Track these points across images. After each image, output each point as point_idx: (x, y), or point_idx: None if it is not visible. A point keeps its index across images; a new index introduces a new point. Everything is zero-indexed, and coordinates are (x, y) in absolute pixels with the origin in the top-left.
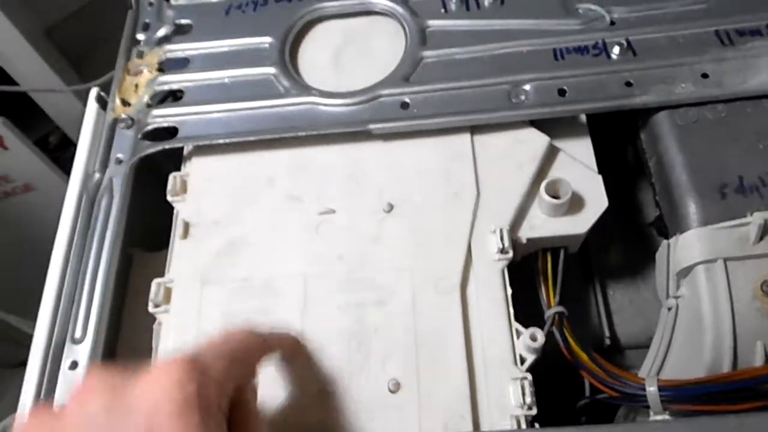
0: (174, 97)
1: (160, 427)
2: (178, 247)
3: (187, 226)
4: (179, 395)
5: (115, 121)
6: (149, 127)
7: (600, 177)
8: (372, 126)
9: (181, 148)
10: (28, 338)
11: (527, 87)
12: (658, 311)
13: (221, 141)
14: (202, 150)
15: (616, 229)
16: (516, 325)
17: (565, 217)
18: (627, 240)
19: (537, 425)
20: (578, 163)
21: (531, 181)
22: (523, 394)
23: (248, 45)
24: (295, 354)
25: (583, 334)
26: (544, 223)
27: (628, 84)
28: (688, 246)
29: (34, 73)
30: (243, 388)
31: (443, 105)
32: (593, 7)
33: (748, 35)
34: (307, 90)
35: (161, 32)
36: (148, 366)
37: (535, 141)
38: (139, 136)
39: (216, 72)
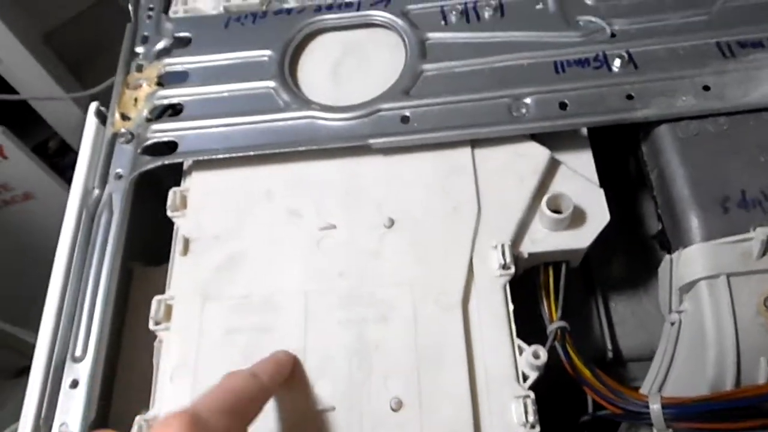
0: (173, 110)
1: None
2: (178, 263)
3: (187, 242)
4: None
5: (115, 136)
6: (149, 142)
7: (602, 191)
8: (372, 141)
9: (181, 163)
10: (29, 347)
11: (528, 100)
12: (660, 324)
13: (221, 156)
14: (201, 164)
15: (618, 241)
16: (518, 341)
17: (566, 232)
18: (629, 251)
19: None
20: (579, 177)
21: (532, 195)
22: (526, 413)
23: (248, 58)
24: (295, 375)
25: (586, 346)
26: (545, 238)
27: (630, 97)
28: (691, 261)
29: (33, 80)
30: None
31: (443, 119)
32: (594, 19)
33: (749, 47)
34: (306, 104)
35: (160, 45)
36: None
37: (536, 155)
38: (139, 150)
39: (215, 86)
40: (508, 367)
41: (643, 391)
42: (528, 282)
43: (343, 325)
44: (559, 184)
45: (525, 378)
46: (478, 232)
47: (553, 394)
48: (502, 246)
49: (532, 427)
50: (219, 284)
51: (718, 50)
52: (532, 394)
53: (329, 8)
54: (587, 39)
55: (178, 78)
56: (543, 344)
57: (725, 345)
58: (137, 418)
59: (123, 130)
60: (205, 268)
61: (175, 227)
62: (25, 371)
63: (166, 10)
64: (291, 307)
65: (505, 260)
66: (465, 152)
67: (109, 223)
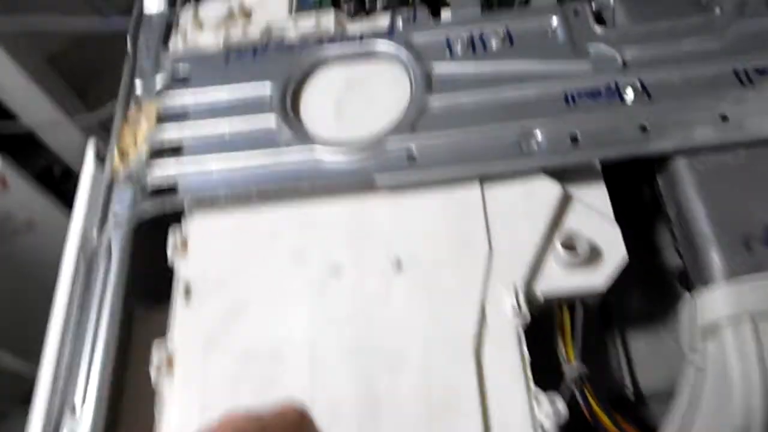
0: (173, 148)
1: None
2: (180, 310)
3: (188, 288)
4: None
5: (114, 178)
6: (148, 184)
7: (618, 229)
8: (378, 179)
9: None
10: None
11: (538, 133)
12: (681, 360)
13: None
14: (203, 205)
15: (634, 270)
16: (535, 389)
17: (582, 271)
18: (647, 283)
19: None
20: (594, 213)
21: (545, 233)
22: None
23: (249, 93)
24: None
25: (603, 385)
26: (560, 278)
27: (644, 128)
28: (713, 302)
29: (35, 107)
30: None
31: (451, 155)
32: (604, 47)
33: (766, 73)
34: (310, 140)
35: (160, 81)
36: None
37: (548, 191)
38: (139, 192)
39: (216, 122)
40: (525, 417)
41: None
42: (543, 319)
43: (352, 377)
44: (572, 221)
45: (542, 428)
46: (489, 274)
47: None
48: (515, 288)
49: None
50: (222, 333)
51: (735, 78)
52: None
53: (331, 40)
54: (598, 68)
55: (178, 115)
56: (558, 382)
57: (752, 394)
58: None
59: (122, 170)
60: (207, 317)
61: (175, 272)
62: (29, 399)
63: (165, 43)
64: (297, 358)
65: (518, 303)
66: (474, 189)
67: (108, 270)
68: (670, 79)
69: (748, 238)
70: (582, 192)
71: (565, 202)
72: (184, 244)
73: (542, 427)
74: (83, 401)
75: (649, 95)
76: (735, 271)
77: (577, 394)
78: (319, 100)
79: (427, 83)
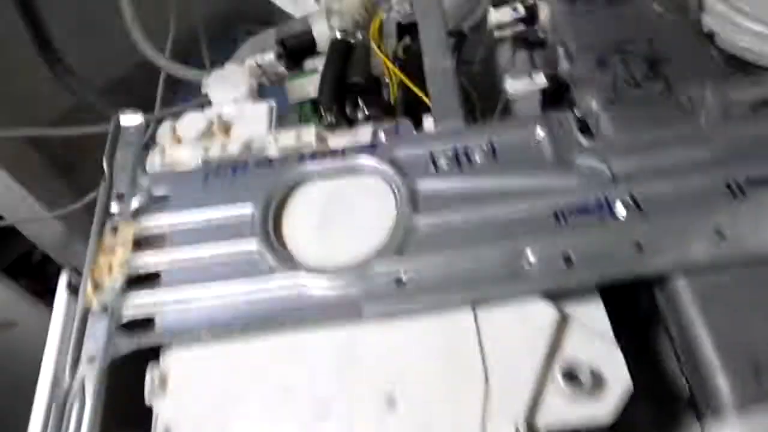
0: (151, 274)
1: None
2: None
3: (168, 431)
4: None
5: (87, 312)
6: (124, 319)
7: (619, 352)
8: (366, 311)
9: None
10: None
11: (530, 254)
12: None
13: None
14: (182, 339)
15: (637, 380)
16: None
17: (586, 401)
18: (653, 394)
19: None
20: (594, 336)
21: (544, 362)
22: None
23: (229, 216)
24: None
25: None
26: (563, 411)
27: (639, 246)
28: None
29: (13, 203)
30: None
31: (442, 279)
32: (591, 159)
33: (759, 184)
34: (294, 266)
35: (136, 203)
36: None
37: (544, 315)
38: (113, 325)
39: (195, 248)
40: None
41: None
42: None
43: None
44: (571, 346)
45: None
46: (488, 409)
47: None
48: (517, 425)
49: None
50: None
51: (726, 189)
52: None
53: (313, 157)
54: (586, 182)
55: (156, 241)
56: None
57: None
58: None
59: (96, 304)
60: None
61: (154, 414)
62: None
63: (142, 160)
64: None
65: None
66: (467, 315)
67: (82, 415)
68: (662, 192)
69: (756, 365)
70: (578, 310)
71: (561, 325)
72: (163, 381)
73: None
74: None
75: (641, 209)
76: (745, 402)
77: None
78: (302, 220)
79: (412, 201)
